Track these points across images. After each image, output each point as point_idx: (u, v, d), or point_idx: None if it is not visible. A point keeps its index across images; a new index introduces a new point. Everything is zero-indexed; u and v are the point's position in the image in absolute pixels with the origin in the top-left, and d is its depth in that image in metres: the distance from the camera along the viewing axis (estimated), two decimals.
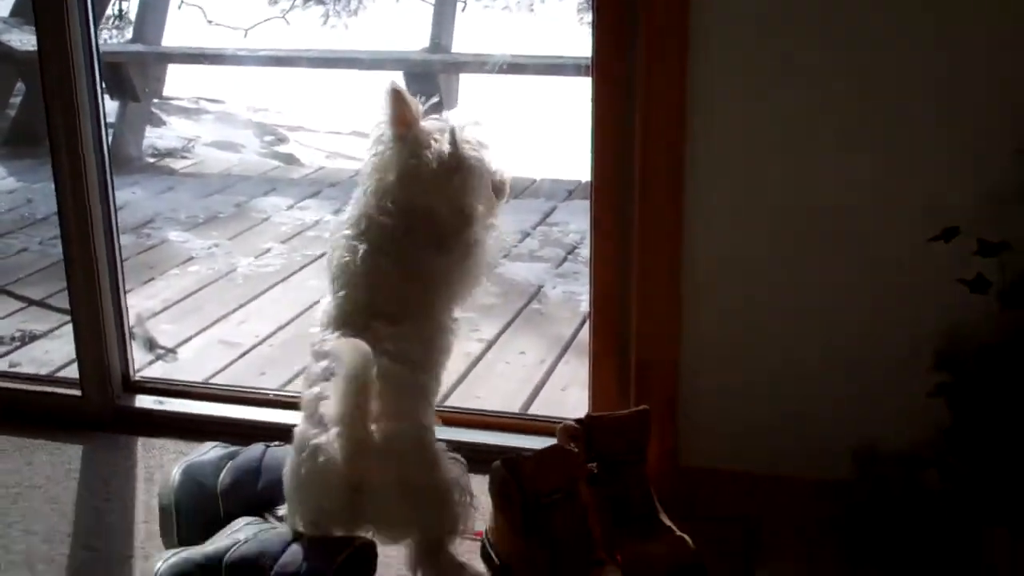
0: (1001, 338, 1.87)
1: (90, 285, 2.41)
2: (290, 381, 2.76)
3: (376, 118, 1.83)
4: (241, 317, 3.27)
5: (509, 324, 3.22)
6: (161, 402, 2.48)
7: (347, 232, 1.84)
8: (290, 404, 2.45)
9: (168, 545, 1.92)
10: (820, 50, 1.88)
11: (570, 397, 2.69)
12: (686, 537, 1.87)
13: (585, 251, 3.91)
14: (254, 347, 3.03)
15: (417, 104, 1.81)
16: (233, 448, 2.13)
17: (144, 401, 2.48)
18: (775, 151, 1.95)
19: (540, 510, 1.78)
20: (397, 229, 1.81)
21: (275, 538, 1.77)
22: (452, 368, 2.56)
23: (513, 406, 2.67)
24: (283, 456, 2.09)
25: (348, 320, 1.82)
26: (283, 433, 2.26)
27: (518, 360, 2.97)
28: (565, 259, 3.86)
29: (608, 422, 1.93)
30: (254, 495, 2.03)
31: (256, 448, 2.12)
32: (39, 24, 2.31)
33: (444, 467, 1.79)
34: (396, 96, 1.78)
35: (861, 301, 1.99)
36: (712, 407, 2.10)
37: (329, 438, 1.71)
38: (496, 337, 3.11)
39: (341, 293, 1.84)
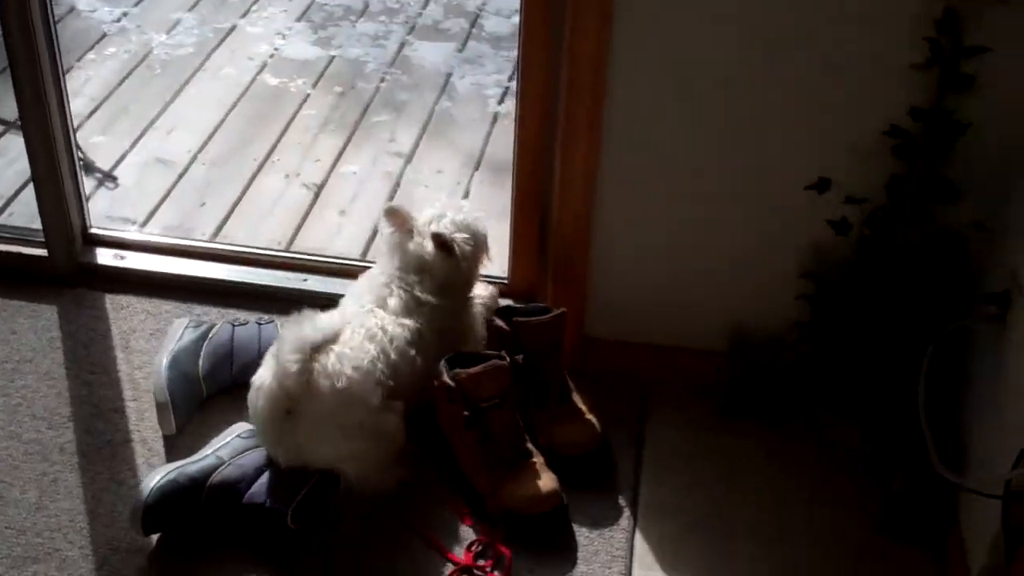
0: (854, 260, 2.26)
1: (43, 133, 2.53)
2: (227, 218, 3.02)
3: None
4: (169, 123, 3.43)
5: (423, 131, 3.45)
6: (121, 257, 2.73)
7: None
8: (245, 259, 2.76)
9: (167, 431, 2.28)
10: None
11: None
12: (594, 421, 2.31)
13: (489, 24, 4.09)
14: (188, 166, 3.23)
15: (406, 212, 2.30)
16: (202, 327, 2.45)
17: (104, 256, 2.73)
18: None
19: (480, 413, 2.18)
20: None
21: (252, 463, 2.11)
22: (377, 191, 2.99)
23: None
24: (248, 336, 2.44)
25: None
26: (239, 290, 2.65)
27: (436, 181, 3.25)
28: (469, 35, 4.01)
29: (533, 325, 2.30)
30: (229, 378, 2.39)
31: (224, 330, 2.44)
32: None
33: (378, 410, 2.12)
34: (391, 212, 2.31)
35: (752, 214, 2.30)
36: (616, 283, 2.44)
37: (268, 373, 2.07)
38: (413, 150, 3.37)
39: None
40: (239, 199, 3.10)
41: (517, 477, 2.17)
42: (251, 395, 2.11)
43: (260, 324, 2.47)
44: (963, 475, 2.04)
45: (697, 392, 2.46)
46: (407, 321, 2.22)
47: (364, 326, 2.17)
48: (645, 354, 2.49)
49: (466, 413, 2.18)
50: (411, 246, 2.29)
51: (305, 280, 2.70)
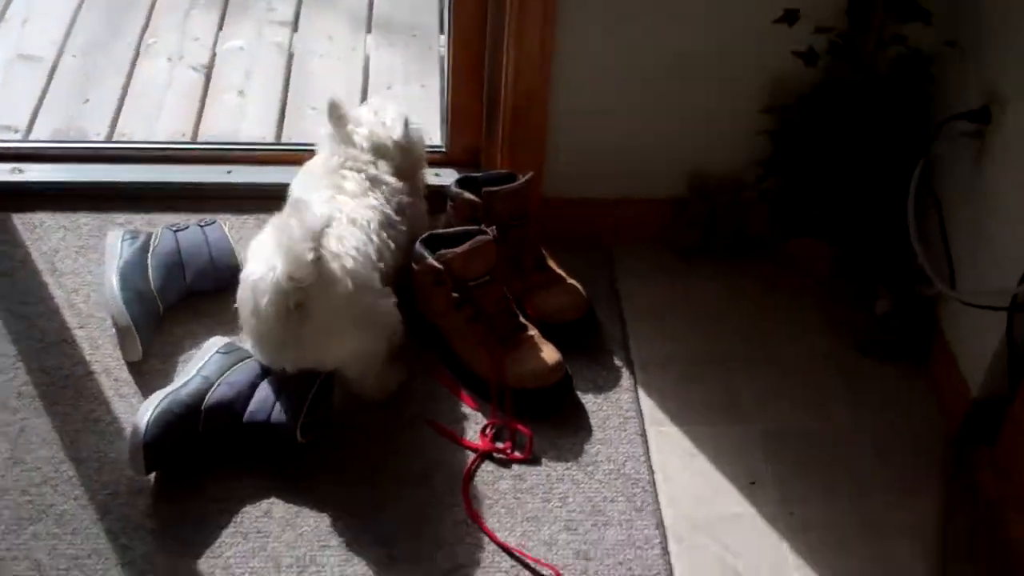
0: (811, 91, 2.25)
1: None
2: (119, 113, 2.77)
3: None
4: (20, 13, 3.08)
5: None
6: (20, 171, 2.48)
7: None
8: (156, 156, 2.55)
9: (132, 357, 2.11)
10: None
11: (401, 95, 2.86)
12: (577, 285, 2.27)
13: None
14: (58, 60, 2.92)
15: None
16: (140, 238, 2.26)
17: (2, 172, 2.48)
18: None
19: (468, 291, 2.10)
20: None
21: (244, 379, 1.97)
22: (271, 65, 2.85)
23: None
24: (195, 241, 2.27)
25: None
26: (159, 192, 2.48)
27: (330, 51, 3.04)
28: None
29: (504, 194, 2.21)
30: (185, 288, 2.24)
31: (167, 238, 2.26)
32: None
33: (382, 295, 2.01)
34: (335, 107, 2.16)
35: (714, 59, 2.25)
36: (573, 141, 2.35)
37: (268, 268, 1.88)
38: (296, 18, 3.14)
39: None
40: (124, 91, 2.84)
41: (518, 353, 2.11)
42: (245, 295, 1.94)
43: (203, 226, 2.30)
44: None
45: (661, 240, 2.45)
46: (374, 203, 2.10)
47: (341, 211, 2.03)
48: (606, 209, 2.43)
49: (455, 294, 2.10)
50: (363, 130, 2.17)
51: (229, 172, 2.52)
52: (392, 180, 2.15)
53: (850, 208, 2.26)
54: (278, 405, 1.96)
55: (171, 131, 2.72)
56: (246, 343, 2.04)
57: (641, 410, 2.14)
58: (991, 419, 2.02)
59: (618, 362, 2.22)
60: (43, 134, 2.69)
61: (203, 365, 2.02)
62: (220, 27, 3.09)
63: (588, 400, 2.14)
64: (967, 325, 2.10)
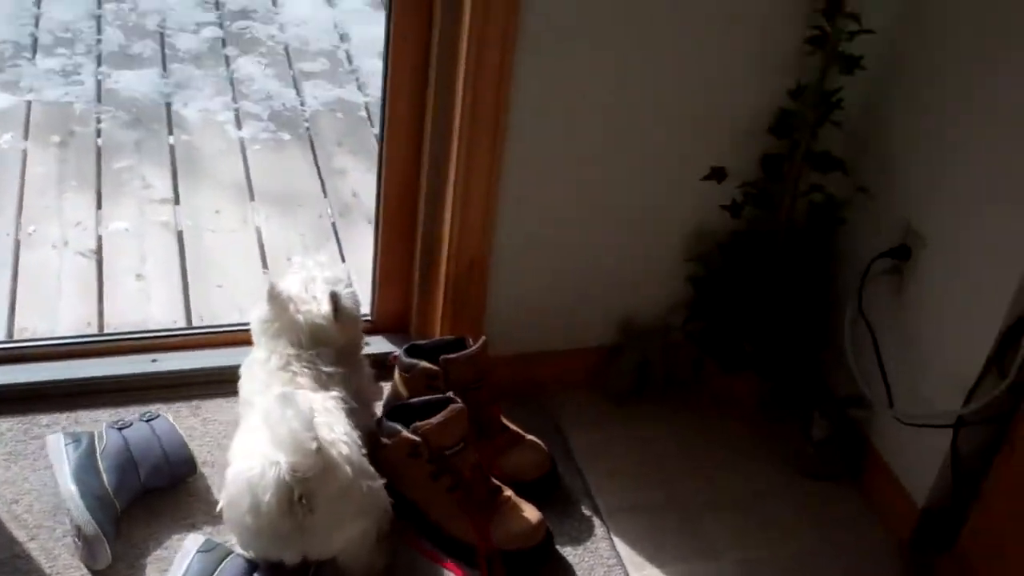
0: (732, 239, 2.42)
1: None
2: (13, 308, 2.64)
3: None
4: None
5: (174, 171, 3.18)
6: None
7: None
8: (71, 352, 2.44)
9: (101, 564, 1.99)
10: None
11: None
12: (538, 441, 2.31)
13: (180, 42, 3.81)
14: None
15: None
16: (83, 440, 2.15)
17: None
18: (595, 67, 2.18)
19: (445, 461, 2.11)
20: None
21: (233, 571, 1.91)
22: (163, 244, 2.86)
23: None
24: (143, 436, 2.18)
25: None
26: (80, 388, 2.38)
27: (219, 224, 3.01)
28: (165, 56, 3.72)
29: (461, 360, 2.24)
30: (139, 486, 2.14)
31: (113, 437, 2.16)
32: None
33: (375, 478, 1.98)
34: (274, 295, 2.09)
35: (644, 212, 2.37)
36: (510, 299, 2.41)
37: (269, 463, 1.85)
38: (175, 194, 3.10)
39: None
40: (14, 284, 2.71)
41: (500, 515, 2.12)
42: (238, 493, 1.86)
43: (147, 420, 2.21)
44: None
45: (595, 387, 2.53)
46: (335, 393, 2.07)
47: (309, 403, 2.00)
48: (540, 362, 2.50)
49: (429, 464, 2.11)
50: (300, 319, 2.10)
51: (154, 360, 2.44)
52: (339, 370, 2.11)
53: (778, 343, 2.42)
54: None
55: (74, 321, 2.61)
56: (230, 538, 1.97)
57: (620, 557, 2.18)
58: (942, 526, 2.18)
59: (587, 511, 2.26)
60: None
61: (187, 568, 1.93)
62: (99, 208, 3.01)
63: (568, 553, 2.17)
64: (906, 442, 2.26)
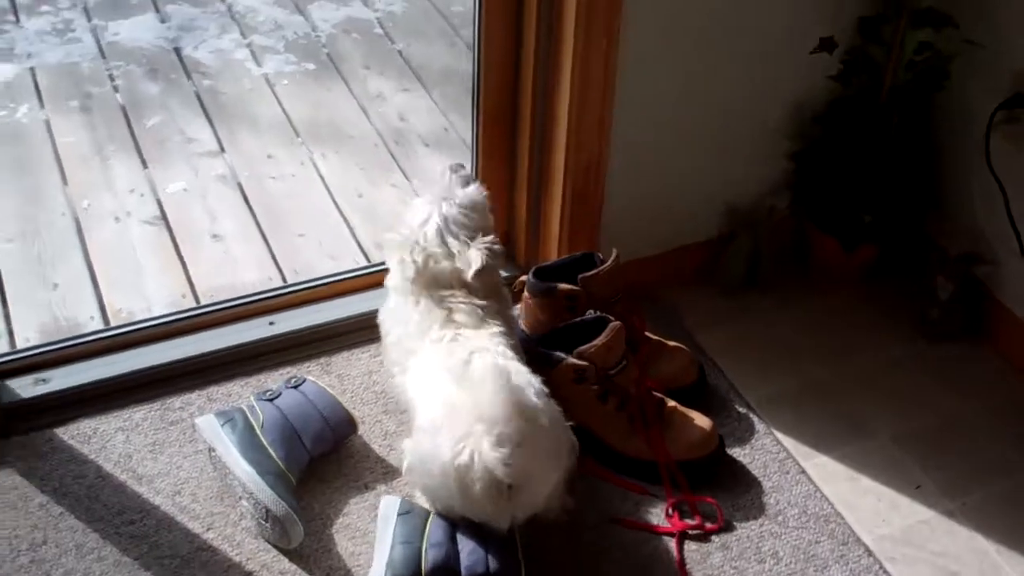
0: (829, 108, 2.39)
1: None
2: (98, 290, 2.53)
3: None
4: None
5: (210, 119, 3.05)
6: (44, 380, 2.22)
7: None
8: (185, 328, 2.35)
9: (294, 542, 1.95)
10: None
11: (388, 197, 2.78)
12: (680, 345, 2.30)
13: None
14: None
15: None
16: (237, 419, 2.08)
17: (23, 386, 2.19)
18: None
19: (610, 381, 2.09)
20: None
21: (442, 535, 1.87)
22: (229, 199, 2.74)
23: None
24: (297, 404, 2.12)
25: None
26: (206, 363, 2.31)
27: (278, 170, 2.90)
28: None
29: (601, 276, 2.20)
30: (307, 456, 2.09)
31: (268, 410, 2.10)
32: None
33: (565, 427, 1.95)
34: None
35: (747, 97, 2.35)
36: (625, 204, 2.37)
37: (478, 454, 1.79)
38: (220, 144, 2.97)
39: None
40: (89, 265, 2.59)
41: (672, 427, 2.12)
42: (442, 477, 1.83)
43: (295, 387, 2.14)
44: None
45: (712, 283, 2.52)
46: (496, 329, 2.02)
47: (485, 349, 1.95)
48: (652, 265, 2.48)
49: (595, 387, 2.09)
50: (447, 270, 2.02)
51: (271, 323, 2.36)
52: (491, 303, 2.05)
53: (895, 210, 2.41)
54: (490, 555, 1.87)
55: (167, 295, 2.50)
56: (415, 493, 1.97)
57: (788, 450, 2.20)
58: None
59: (741, 409, 2.27)
60: (32, 337, 2.40)
61: (393, 534, 1.90)
62: (146, 170, 2.87)
63: (737, 453, 2.18)
64: None
